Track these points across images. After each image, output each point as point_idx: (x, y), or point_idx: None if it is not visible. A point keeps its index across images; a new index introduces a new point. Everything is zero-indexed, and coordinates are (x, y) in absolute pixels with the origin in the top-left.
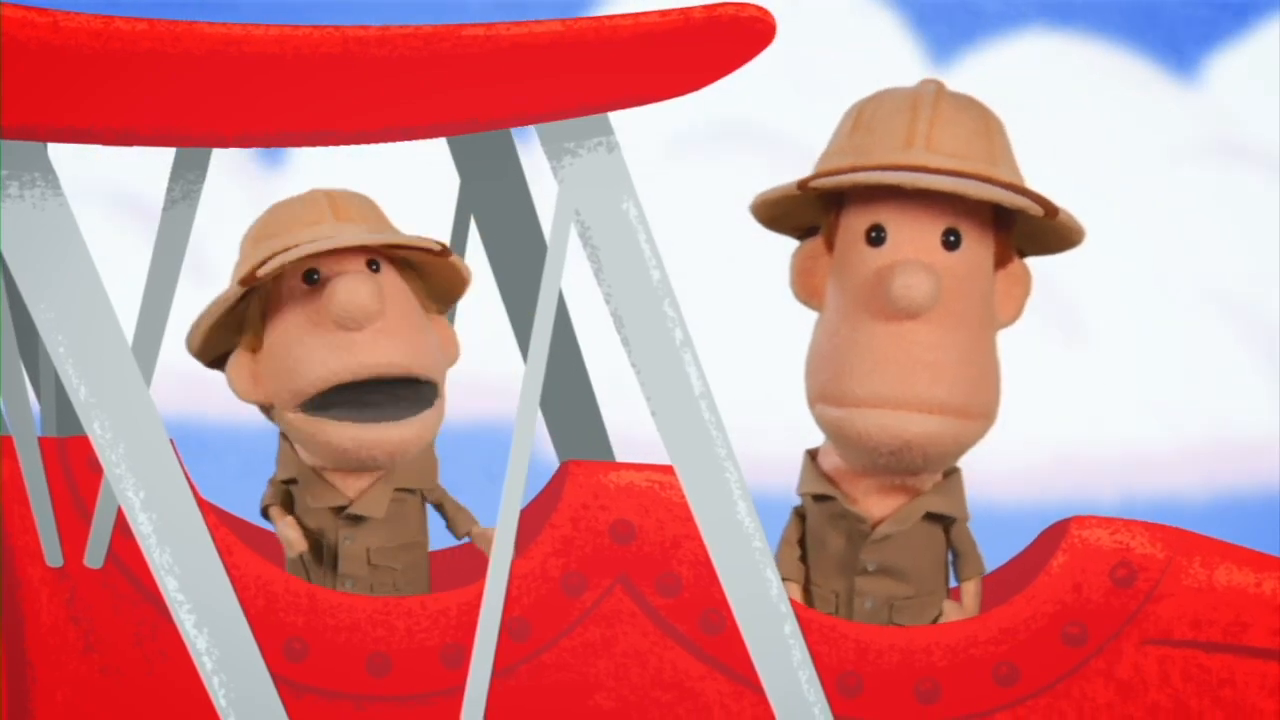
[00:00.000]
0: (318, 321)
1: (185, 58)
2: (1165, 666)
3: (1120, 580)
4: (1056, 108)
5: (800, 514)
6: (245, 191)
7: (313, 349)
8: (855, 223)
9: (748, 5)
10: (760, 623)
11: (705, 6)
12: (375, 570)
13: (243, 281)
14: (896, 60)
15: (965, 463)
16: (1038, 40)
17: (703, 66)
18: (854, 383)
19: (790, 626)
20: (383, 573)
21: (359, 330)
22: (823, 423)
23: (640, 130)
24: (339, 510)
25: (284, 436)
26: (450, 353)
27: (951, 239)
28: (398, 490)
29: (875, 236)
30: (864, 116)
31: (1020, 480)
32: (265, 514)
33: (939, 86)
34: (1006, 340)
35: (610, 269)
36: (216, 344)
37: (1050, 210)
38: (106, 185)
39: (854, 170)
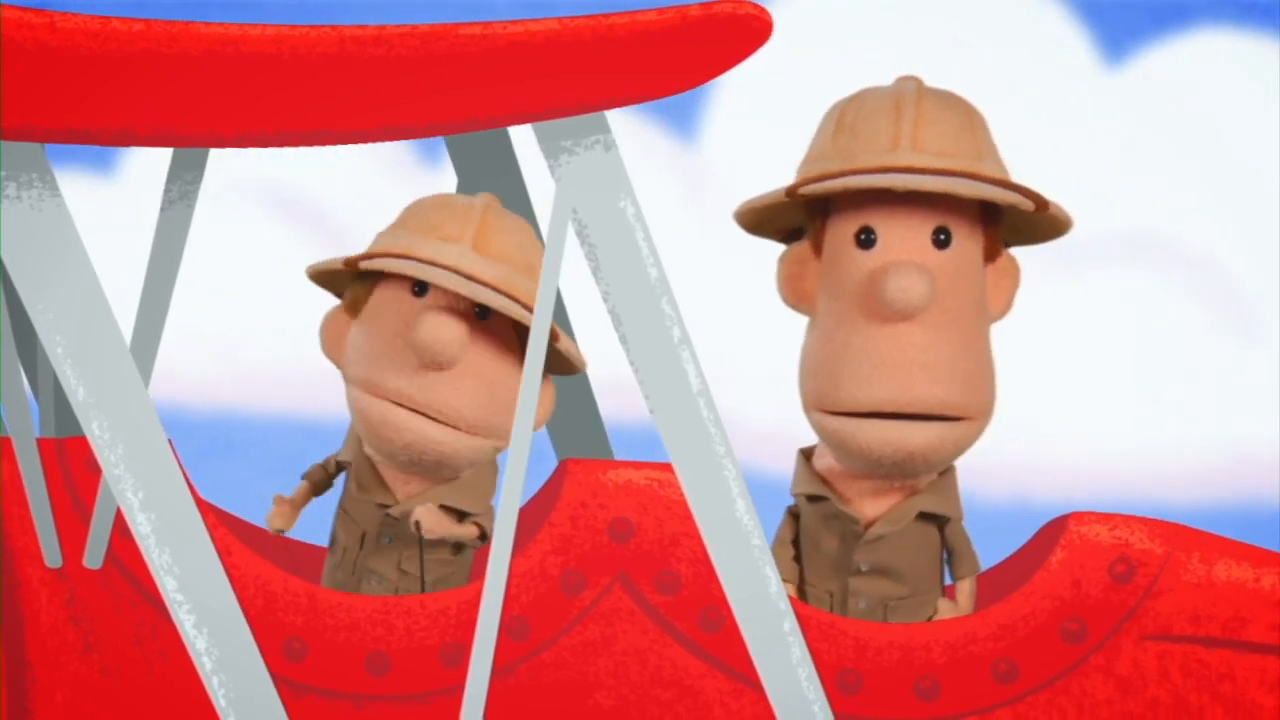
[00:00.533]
0: (403, 335)
1: (182, 58)
2: (1164, 662)
3: (1119, 576)
4: (1234, 106)
5: (794, 514)
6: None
7: (386, 358)
8: (844, 226)
9: (744, 3)
10: (759, 620)
11: (702, 5)
12: (403, 576)
13: (346, 263)
14: (1066, 56)
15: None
16: (1216, 37)
17: (699, 64)
18: (853, 387)
19: (789, 624)
20: (410, 580)
21: (431, 370)
22: (822, 432)
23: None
24: (383, 507)
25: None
26: (539, 415)
27: (941, 238)
28: (444, 507)
29: (865, 239)
30: (845, 119)
31: (1201, 478)
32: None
33: (918, 84)
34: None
35: (608, 267)
36: (336, 283)
37: (1041, 204)
38: (266, 184)
39: (842, 175)
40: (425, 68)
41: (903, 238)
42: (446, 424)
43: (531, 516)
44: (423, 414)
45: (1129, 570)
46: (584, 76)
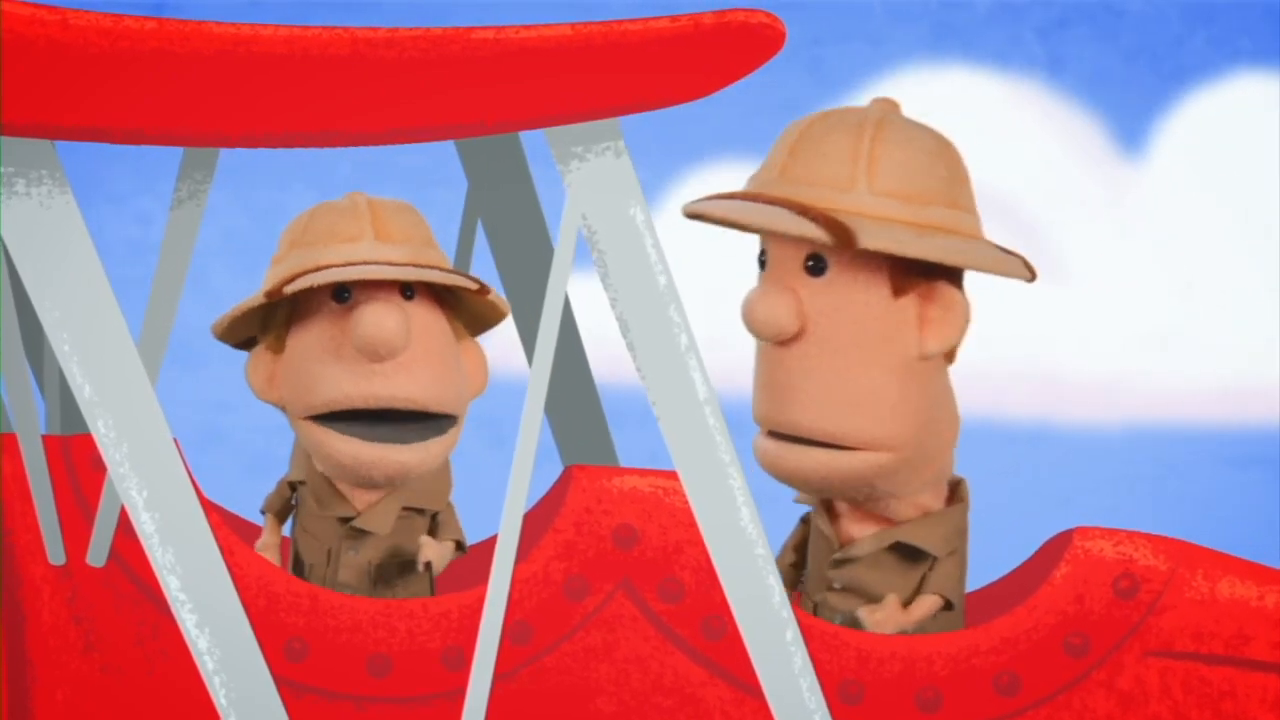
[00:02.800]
0: (341, 343)
1: (194, 57)
2: (1166, 678)
3: (1123, 592)
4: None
5: (806, 521)
6: None
7: (331, 370)
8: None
9: (758, 12)
10: (762, 629)
11: (715, 13)
12: (375, 587)
13: (268, 294)
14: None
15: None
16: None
17: (712, 72)
18: (754, 403)
19: (792, 633)
20: (382, 589)
21: (380, 362)
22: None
23: None
24: (344, 520)
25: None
26: (477, 381)
27: (811, 264)
28: (405, 508)
29: (762, 260)
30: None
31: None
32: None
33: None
34: None
35: (616, 273)
36: (243, 329)
37: (844, 239)
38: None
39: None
40: (437, 71)
41: (780, 261)
42: (410, 407)
43: (535, 522)
44: (387, 442)
45: (1133, 586)
46: (596, 82)
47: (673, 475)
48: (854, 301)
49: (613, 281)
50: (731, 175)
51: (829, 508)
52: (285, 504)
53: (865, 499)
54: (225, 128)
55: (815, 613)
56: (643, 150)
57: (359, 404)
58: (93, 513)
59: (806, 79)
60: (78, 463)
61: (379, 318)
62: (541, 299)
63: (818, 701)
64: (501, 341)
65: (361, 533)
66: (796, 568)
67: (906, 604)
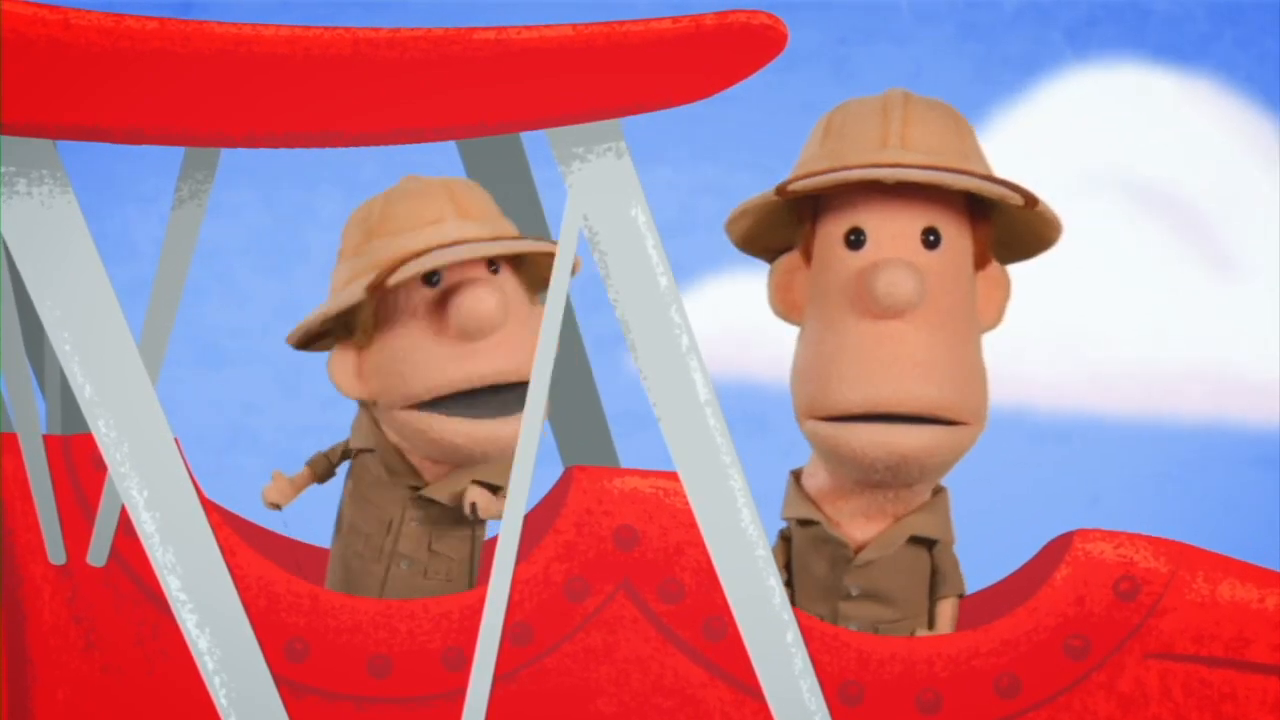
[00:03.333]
0: (439, 328)
1: (195, 57)
2: (1167, 680)
3: (1123, 594)
4: None
5: (785, 537)
6: None
7: (433, 355)
8: (833, 228)
9: (759, 13)
10: (762, 630)
11: (717, 14)
12: (434, 556)
13: (371, 288)
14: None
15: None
16: None
17: (713, 73)
18: (844, 389)
19: (792, 635)
20: (440, 560)
21: (479, 340)
22: (814, 440)
23: None
24: (412, 489)
25: (363, 406)
26: None
27: (931, 238)
28: (475, 482)
29: (855, 239)
30: (834, 124)
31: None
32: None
33: (906, 92)
34: None
35: (617, 274)
36: (316, 330)
37: (1030, 200)
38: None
39: (833, 171)
40: (438, 71)
41: (892, 237)
42: (516, 378)
43: (536, 522)
44: (496, 417)
45: (1133, 588)
46: (597, 83)
47: (673, 476)
48: (961, 274)
49: (614, 282)
50: (755, 175)
51: (826, 515)
52: (328, 465)
53: (914, 482)
54: (226, 127)
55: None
56: (671, 149)
57: (465, 386)
58: (93, 512)
59: (830, 78)
60: (78, 462)
61: (480, 297)
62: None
63: (818, 703)
64: None
65: (428, 502)
66: (788, 585)
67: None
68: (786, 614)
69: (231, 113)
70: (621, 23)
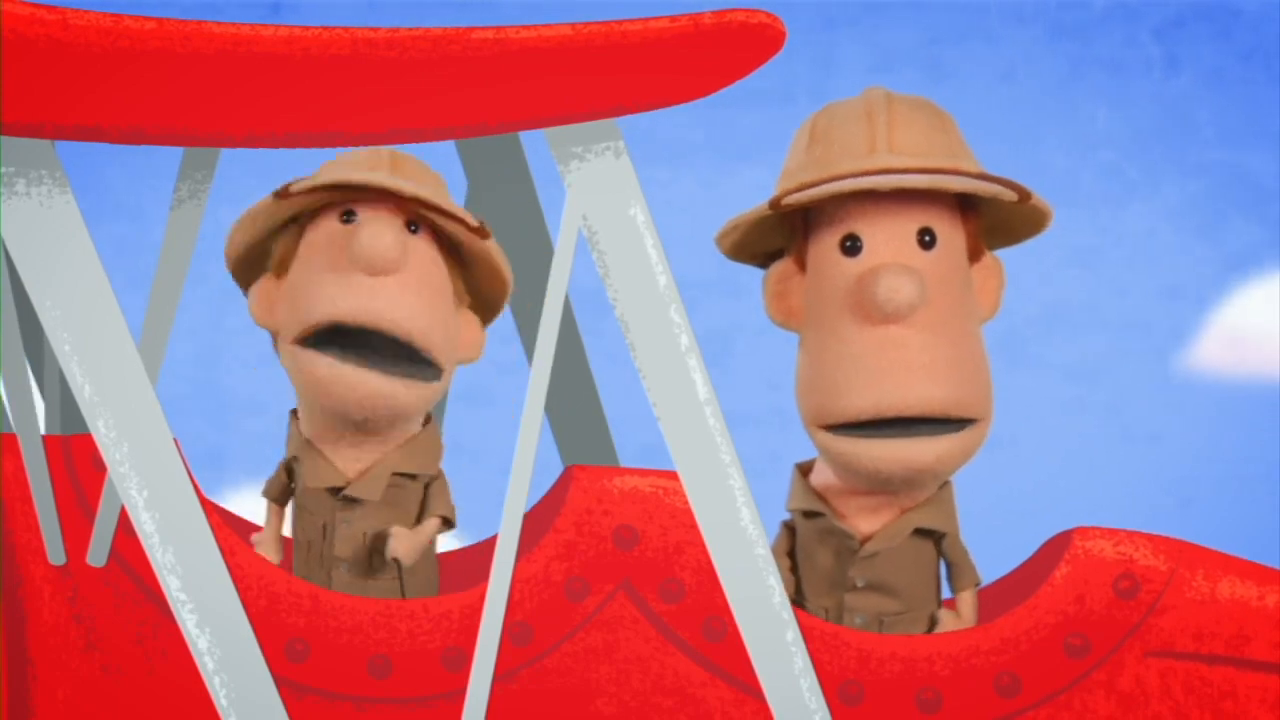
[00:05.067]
0: (340, 261)
1: (194, 57)
2: (1167, 679)
3: (1123, 592)
4: None
5: (790, 527)
6: None
7: (327, 284)
8: (827, 236)
9: (757, 12)
10: (762, 630)
11: (715, 13)
12: (371, 559)
13: (276, 193)
14: None
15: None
16: None
17: (712, 72)
18: (853, 396)
19: (792, 634)
20: (378, 561)
21: (377, 276)
22: (826, 452)
23: None
24: (336, 491)
25: (293, 414)
26: (467, 351)
27: (926, 238)
28: (396, 474)
29: (850, 246)
30: (818, 130)
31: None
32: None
33: (886, 91)
34: None
35: (617, 274)
36: (257, 266)
37: (1023, 194)
38: None
39: (823, 182)
40: (437, 71)
41: (888, 241)
42: (397, 332)
43: (536, 522)
44: (371, 369)
45: (1133, 586)
46: (596, 82)
47: (673, 475)
48: (957, 270)
49: (613, 281)
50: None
51: (832, 508)
52: (284, 488)
53: (928, 487)
54: (226, 127)
55: (826, 619)
56: (761, 150)
57: (347, 318)
58: (93, 512)
59: (923, 79)
60: (78, 462)
61: (377, 229)
62: (541, 299)
63: (818, 702)
64: (505, 343)
65: (354, 502)
66: (792, 573)
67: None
68: (786, 613)
69: (231, 113)
70: (620, 22)
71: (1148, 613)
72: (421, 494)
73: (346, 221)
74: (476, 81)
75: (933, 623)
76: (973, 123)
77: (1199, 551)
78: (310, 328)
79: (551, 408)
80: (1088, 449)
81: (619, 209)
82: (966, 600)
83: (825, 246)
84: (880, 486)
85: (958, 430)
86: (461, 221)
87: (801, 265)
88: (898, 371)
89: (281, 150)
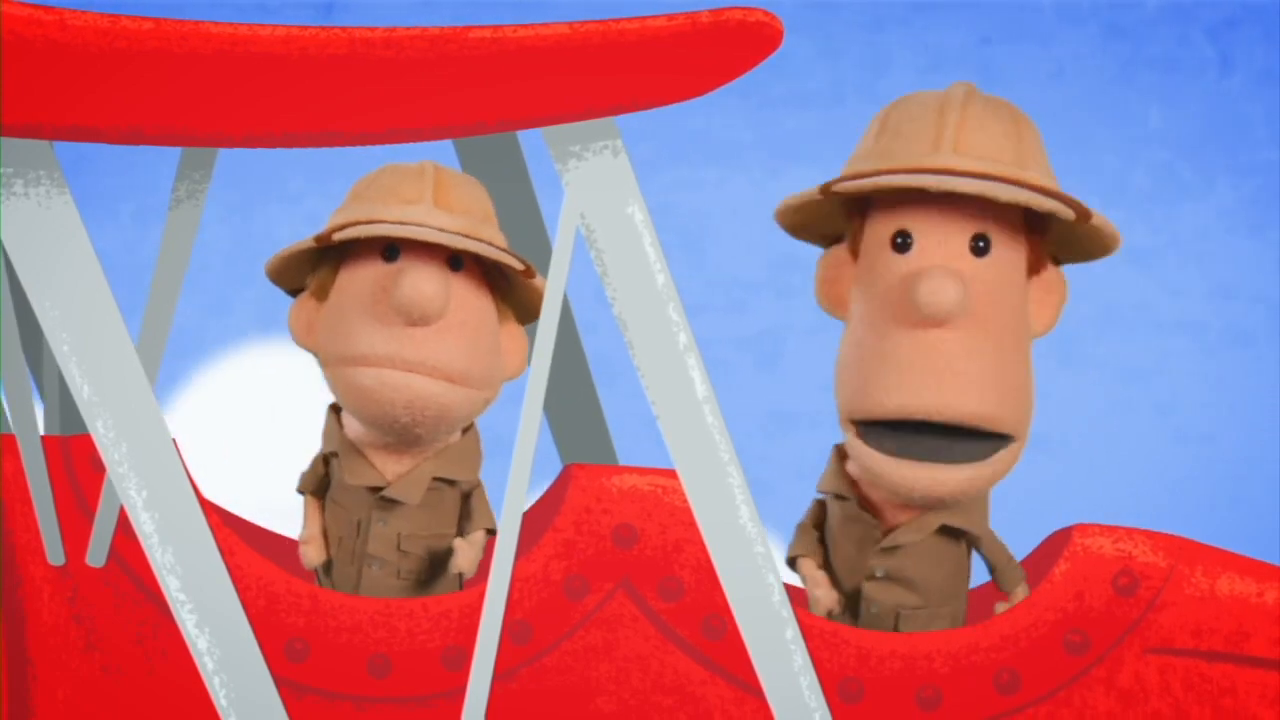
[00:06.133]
0: (380, 301)
1: (192, 57)
2: (1166, 675)
3: (1122, 589)
4: None
5: (821, 504)
6: None
7: (367, 326)
8: (881, 228)
9: (755, 10)
10: (762, 628)
11: (712, 11)
12: (404, 556)
13: (318, 239)
14: None
15: None
16: None
17: (709, 71)
18: (880, 394)
19: (792, 632)
20: (411, 560)
21: (415, 326)
22: (858, 458)
23: None
24: (374, 491)
25: (331, 410)
26: (513, 364)
27: (980, 245)
28: (436, 480)
29: (901, 242)
30: (890, 121)
31: None
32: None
33: (969, 89)
34: None
35: (615, 272)
36: (295, 275)
37: (1083, 214)
38: None
39: (877, 174)
40: (435, 70)
41: (940, 242)
42: (441, 379)
43: (535, 521)
44: (416, 373)
45: (1132, 583)
46: (593, 81)
47: (672, 474)
48: (1011, 282)
49: (611, 280)
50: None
51: (860, 495)
52: (321, 481)
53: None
54: (224, 127)
55: (848, 604)
56: (815, 152)
57: (385, 365)
58: (92, 513)
59: (975, 79)
60: (77, 463)
61: (419, 281)
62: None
63: (818, 700)
64: None
65: (391, 503)
66: (820, 543)
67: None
68: (786, 611)
69: (229, 113)
70: (617, 20)
71: (1147, 609)
72: (458, 500)
73: (389, 258)
74: (474, 81)
75: (946, 624)
76: None
77: (1198, 548)
78: (351, 359)
79: (550, 406)
80: (1140, 449)
81: (617, 208)
82: (1017, 595)
83: (878, 240)
84: (904, 502)
85: (991, 451)
86: (505, 264)
87: (855, 254)
88: (930, 375)
89: (327, 150)
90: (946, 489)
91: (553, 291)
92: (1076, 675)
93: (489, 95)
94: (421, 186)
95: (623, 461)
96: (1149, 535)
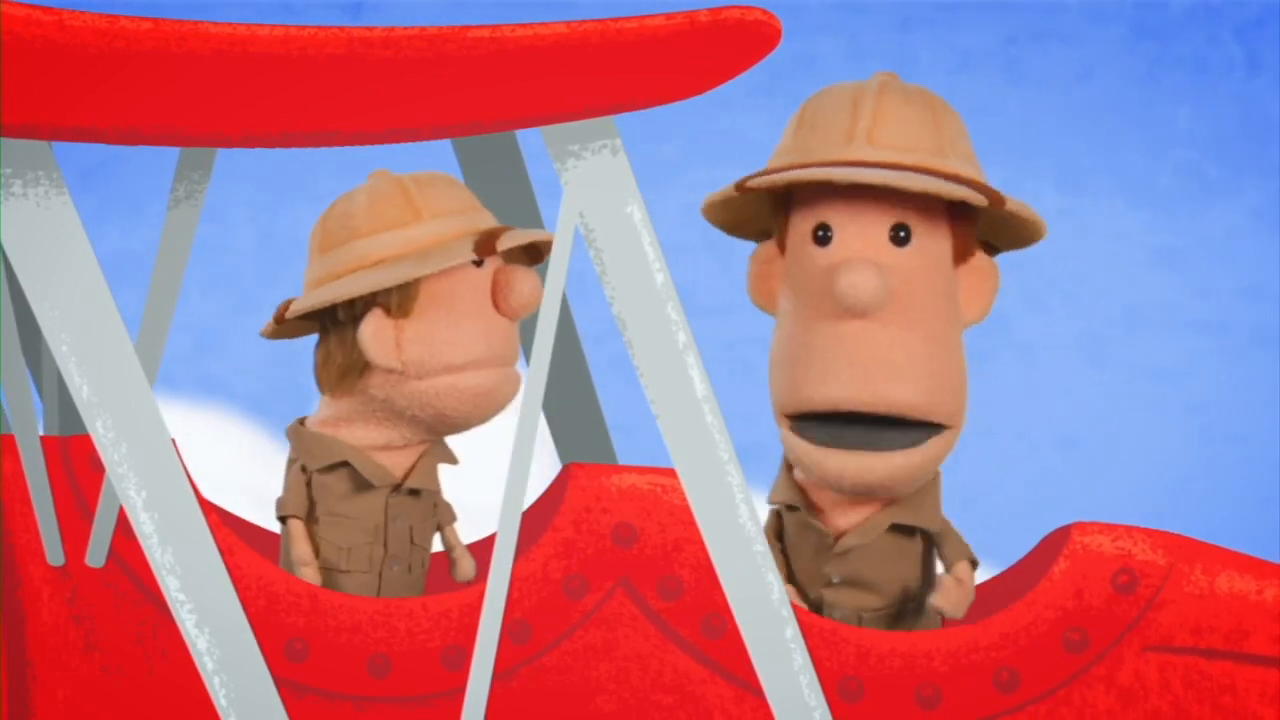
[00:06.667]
0: (484, 304)
1: (190, 57)
2: (1166, 673)
3: (1122, 587)
4: None
5: (778, 514)
6: None
7: (476, 329)
8: (802, 223)
9: (753, 9)
10: (761, 627)
11: (711, 10)
12: (415, 549)
13: (479, 250)
14: None
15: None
16: None
17: (708, 70)
18: (809, 388)
19: (791, 631)
20: (419, 552)
21: (518, 318)
22: (791, 453)
23: None
24: (395, 488)
25: (300, 424)
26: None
27: (901, 234)
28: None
29: (822, 235)
30: (807, 115)
31: None
32: (284, 521)
33: (886, 79)
34: None
35: (614, 272)
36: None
37: (996, 200)
38: None
39: (790, 169)
40: (433, 70)
41: (858, 234)
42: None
43: (534, 520)
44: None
45: (1131, 581)
46: (592, 80)
47: (671, 473)
48: (935, 270)
49: (610, 279)
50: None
51: (808, 502)
52: (311, 501)
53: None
54: (222, 128)
55: (815, 611)
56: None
57: (497, 365)
58: (91, 513)
59: (1002, 79)
60: (76, 463)
61: (530, 282)
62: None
63: (818, 699)
64: None
65: (414, 493)
66: (783, 554)
67: (906, 575)
68: (785, 610)
69: (228, 113)
70: (615, 20)
71: (1146, 607)
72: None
73: (478, 265)
74: (473, 80)
75: (914, 624)
76: (1051, 122)
77: (1197, 546)
78: (460, 368)
79: (549, 406)
80: (1168, 449)
81: (616, 206)
82: (957, 570)
83: (800, 234)
84: (838, 493)
85: (920, 439)
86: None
87: (783, 249)
88: (858, 366)
89: (364, 148)
90: (875, 476)
91: (552, 290)
92: (1076, 673)
93: (488, 95)
94: (462, 194)
95: (622, 461)
96: (1148, 533)
